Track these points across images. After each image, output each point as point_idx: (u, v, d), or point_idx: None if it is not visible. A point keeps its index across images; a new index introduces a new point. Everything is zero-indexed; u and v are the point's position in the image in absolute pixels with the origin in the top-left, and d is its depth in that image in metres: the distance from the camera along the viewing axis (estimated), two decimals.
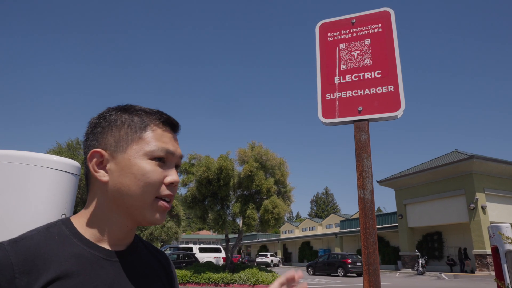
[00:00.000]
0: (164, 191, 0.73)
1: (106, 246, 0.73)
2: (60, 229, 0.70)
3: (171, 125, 0.79)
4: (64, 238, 0.69)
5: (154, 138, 0.74)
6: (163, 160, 0.74)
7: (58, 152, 24.13)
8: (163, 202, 0.73)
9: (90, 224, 0.73)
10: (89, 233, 0.72)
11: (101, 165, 0.73)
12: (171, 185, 0.75)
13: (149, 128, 0.75)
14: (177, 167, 0.79)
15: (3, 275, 0.58)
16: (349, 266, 22.33)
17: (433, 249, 29.09)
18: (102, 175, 0.72)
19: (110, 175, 0.72)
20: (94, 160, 0.73)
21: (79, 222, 0.73)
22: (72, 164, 1.59)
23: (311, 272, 26.09)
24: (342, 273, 22.65)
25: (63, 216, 1.06)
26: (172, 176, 0.75)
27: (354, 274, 22.67)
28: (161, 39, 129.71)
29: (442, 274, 23.85)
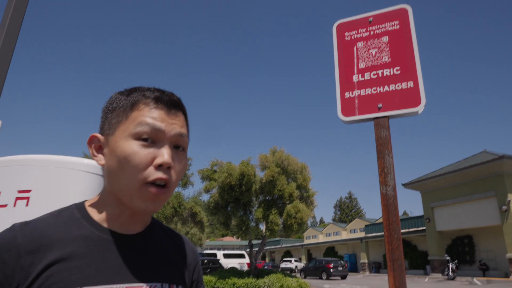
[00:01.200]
0: (153, 174, 0.67)
1: (116, 229, 0.73)
2: (72, 212, 0.73)
3: (166, 102, 0.72)
4: (74, 220, 0.71)
5: (141, 115, 0.69)
6: (151, 139, 0.69)
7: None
8: (152, 188, 0.67)
9: (99, 207, 0.74)
10: (99, 216, 0.73)
11: (101, 149, 0.74)
12: (161, 167, 0.68)
13: (137, 107, 0.70)
14: (177, 147, 0.73)
15: (9, 254, 0.62)
16: (331, 270, 24.93)
17: (463, 253, 28.06)
18: (99, 159, 0.73)
19: (105, 159, 0.72)
20: (93, 145, 0.75)
21: (91, 205, 0.75)
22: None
23: (303, 276, 28.60)
24: (325, 277, 25.47)
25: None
26: (161, 156, 0.68)
27: (339, 277, 25.59)
28: (192, 42, 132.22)
29: (474, 279, 22.96)
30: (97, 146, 0.75)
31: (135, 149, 0.67)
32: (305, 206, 18.40)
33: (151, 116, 0.69)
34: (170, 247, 0.83)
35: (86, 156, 25.66)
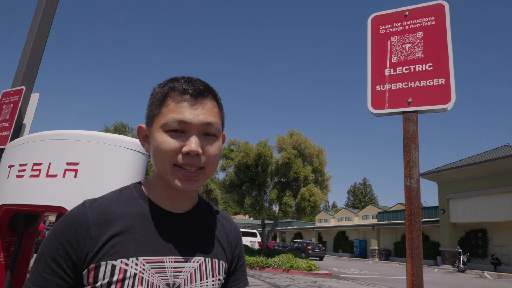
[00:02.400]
0: (180, 160, 0.76)
1: (168, 208, 0.83)
2: (131, 191, 0.84)
3: (191, 93, 0.78)
4: (132, 199, 0.82)
5: (169, 111, 0.77)
6: (180, 130, 0.76)
7: None
8: (181, 170, 0.76)
9: (152, 187, 0.85)
10: (152, 195, 0.83)
11: (147, 138, 0.85)
12: (188, 155, 0.76)
13: (166, 102, 0.78)
14: (208, 134, 0.79)
15: (81, 225, 0.74)
16: (309, 251, 29.03)
17: (476, 246, 27.84)
18: (146, 147, 0.84)
19: (150, 147, 0.82)
20: (140, 134, 0.86)
21: (146, 186, 0.86)
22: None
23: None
24: (304, 255, 28.49)
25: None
26: (187, 145, 0.76)
27: (317, 258, 29.21)
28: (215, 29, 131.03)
29: (485, 273, 22.85)
30: (143, 136, 0.86)
31: (165, 139, 0.76)
32: (319, 190, 18.50)
33: (177, 110, 0.76)
34: (215, 225, 0.92)
35: (107, 129, 26.26)
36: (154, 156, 0.79)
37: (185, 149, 0.75)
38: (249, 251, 19.64)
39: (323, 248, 30.94)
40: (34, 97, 3.15)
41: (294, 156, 18.12)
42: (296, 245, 33.10)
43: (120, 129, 27.09)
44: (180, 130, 0.76)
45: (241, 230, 27.65)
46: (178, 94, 0.77)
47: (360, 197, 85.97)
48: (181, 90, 0.77)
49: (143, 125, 0.85)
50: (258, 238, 26.24)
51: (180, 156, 0.76)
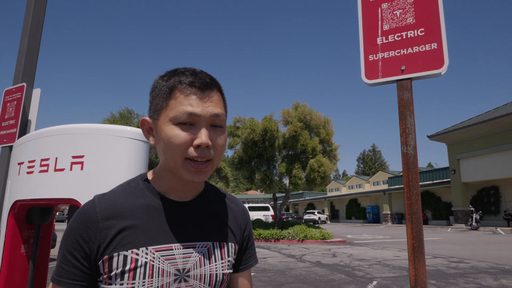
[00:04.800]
0: (192, 153, 0.77)
1: (173, 197, 0.86)
2: (137, 183, 0.87)
3: (199, 86, 0.78)
4: (139, 191, 0.85)
5: (178, 104, 0.77)
6: (190, 123, 0.77)
7: (112, 121, 25.63)
8: (192, 163, 0.77)
9: (158, 179, 0.87)
10: (159, 186, 0.86)
11: (151, 131, 0.85)
12: (199, 147, 0.77)
13: (173, 95, 0.78)
14: (215, 126, 0.80)
15: (90, 219, 0.78)
16: (283, 220, 29.29)
17: (489, 204, 27.96)
18: (151, 140, 0.85)
19: (155, 139, 0.83)
20: (144, 127, 0.87)
21: (152, 177, 0.89)
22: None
23: None
24: None
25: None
26: (199, 138, 0.76)
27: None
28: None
29: (498, 229, 23.05)
30: (147, 128, 0.87)
31: (176, 133, 0.76)
32: (328, 160, 18.57)
33: (186, 103, 0.77)
34: (222, 208, 0.94)
35: (113, 116, 26.39)
36: (164, 149, 0.79)
37: (196, 141, 0.76)
38: (263, 224, 20.05)
39: (295, 216, 34.61)
40: (36, 93, 3.19)
41: (300, 129, 18.11)
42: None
43: (126, 116, 27.20)
44: (190, 123, 0.77)
45: (254, 205, 28.09)
46: (185, 87, 0.78)
47: (370, 163, 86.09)
48: (188, 83, 0.78)
49: (147, 118, 0.86)
50: (271, 212, 26.67)
51: (191, 149, 0.77)
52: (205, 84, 0.79)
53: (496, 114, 24.80)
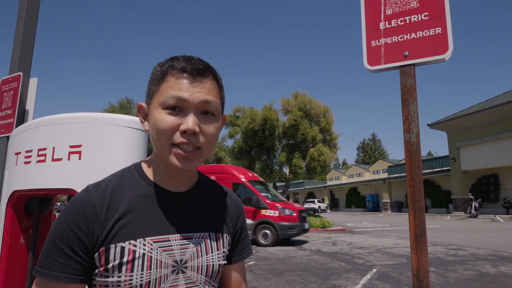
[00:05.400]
0: (177, 138, 0.75)
1: (169, 187, 0.84)
2: (132, 173, 0.85)
3: (190, 71, 0.77)
4: (134, 181, 0.83)
5: (168, 88, 0.76)
6: (179, 108, 0.76)
7: (111, 111, 25.54)
8: (177, 149, 0.76)
9: (152, 167, 0.86)
10: (153, 176, 0.84)
11: (146, 116, 0.84)
12: (185, 133, 0.76)
13: (165, 79, 0.78)
14: (206, 113, 0.79)
15: (88, 210, 0.75)
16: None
17: (488, 192, 28.08)
18: (145, 125, 0.85)
19: (149, 125, 0.82)
20: (140, 113, 0.86)
21: (146, 166, 0.87)
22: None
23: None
24: None
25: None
26: (185, 123, 0.75)
27: None
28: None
29: (497, 217, 23.19)
30: (143, 114, 0.85)
31: (163, 117, 0.75)
32: (328, 149, 18.57)
33: (176, 87, 0.76)
34: (216, 200, 0.94)
35: (112, 106, 26.31)
36: (152, 134, 0.79)
37: (182, 127, 0.75)
38: None
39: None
40: (33, 82, 3.15)
41: (300, 118, 18.06)
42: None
43: (125, 105, 27.11)
44: (178, 108, 0.76)
45: None
46: (177, 71, 0.77)
47: (369, 152, 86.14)
48: (180, 68, 0.77)
49: (143, 104, 0.85)
50: None
51: (177, 134, 0.76)
52: (197, 70, 0.78)
53: (496, 102, 24.72)
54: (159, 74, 0.79)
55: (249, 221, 11.16)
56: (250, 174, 12.70)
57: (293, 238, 12.76)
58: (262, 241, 10.99)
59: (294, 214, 11.07)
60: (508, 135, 23.84)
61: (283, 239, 11.88)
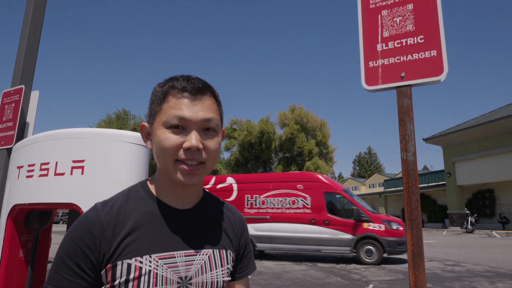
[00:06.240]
0: (181, 155, 0.79)
1: (174, 204, 0.87)
2: (138, 191, 0.88)
3: (190, 90, 0.81)
4: (140, 198, 0.86)
5: (170, 107, 0.80)
6: (181, 126, 0.79)
7: (108, 122, 25.51)
8: (182, 165, 0.79)
9: (157, 184, 0.89)
10: (159, 193, 0.87)
11: (149, 136, 0.88)
12: (189, 150, 0.79)
13: (166, 99, 0.81)
14: (208, 129, 0.82)
15: (96, 228, 0.78)
16: None
17: (484, 207, 28.11)
18: (148, 144, 0.88)
19: (152, 143, 0.85)
20: (143, 132, 0.90)
21: (152, 184, 0.90)
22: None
23: None
24: None
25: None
26: (188, 141, 0.79)
27: None
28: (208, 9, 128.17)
29: (493, 232, 23.18)
30: (146, 133, 0.89)
31: (167, 135, 0.79)
32: (325, 163, 18.62)
33: (178, 107, 0.79)
34: (221, 217, 0.96)
35: (109, 116, 26.30)
36: (156, 152, 0.82)
37: (186, 144, 0.78)
38: None
39: None
40: (34, 95, 3.18)
41: (297, 131, 18.15)
42: None
43: (122, 116, 27.09)
44: (181, 127, 0.79)
45: None
46: (177, 91, 0.80)
47: (365, 166, 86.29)
48: (180, 88, 0.80)
49: (145, 123, 0.88)
50: None
51: (181, 152, 0.79)
52: (197, 88, 0.81)
53: (491, 117, 24.98)
54: (160, 95, 0.82)
55: (346, 236, 10.05)
56: (339, 183, 11.74)
57: (290, 252, 12.67)
58: (366, 259, 9.84)
59: (401, 228, 10.06)
60: (503, 150, 24.03)
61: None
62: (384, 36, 1.79)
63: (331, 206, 10.63)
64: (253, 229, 10.93)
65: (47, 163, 1.75)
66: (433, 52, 1.67)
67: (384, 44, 1.78)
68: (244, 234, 1.02)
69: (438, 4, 1.70)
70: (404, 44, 1.73)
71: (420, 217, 1.56)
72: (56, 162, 1.74)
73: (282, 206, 10.83)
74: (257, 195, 11.21)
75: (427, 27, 1.70)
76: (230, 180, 11.88)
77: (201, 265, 0.84)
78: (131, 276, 0.76)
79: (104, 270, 0.77)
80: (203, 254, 0.86)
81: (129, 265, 0.76)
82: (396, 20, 1.78)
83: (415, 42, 1.71)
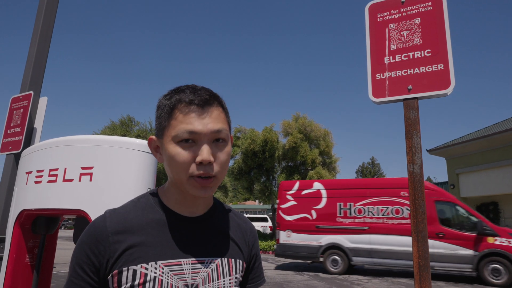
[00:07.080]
0: (195, 171, 0.78)
1: (183, 213, 0.87)
2: (148, 199, 0.89)
3: (198, 103, 0.80)
4: (149, 206, 0.87)
5: (179, 122, 0.79)
6: (191, 140, 0.79)
7: (112, 128, 25.61)
8: (197, 180, 0.79)
9: (167, 194, 0.89)
10: (168, 202, 0.87)
11: (158, 149, 0.88)
12: (201, 164, 0.78)
13: (174, 113, 0.80)
14: (218, 140, 0.81)
15: (101, 234, 0.80)
16: None
17: (488, 219, 27.84)
18: (158, 157, 0.88)
19: (162, 157, 0.85)
20: (151, 145, 0.90)
21: (162, 193, 0.91)
22: None
23: None
24: None
25: (149, 189, 1.26)
26: (200, 155, 0.78)
27: None
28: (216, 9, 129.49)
29: None
30: (155, 147, 0.90)
31: (178, 151, 0.78)
32: (328, 172, 18.58)
33: (187, 121, 0.78)
34: (230, 225, 0.96)
35: (113, 123, 26.41)
36: (169, 166, 0.82)
37: (198, 159, 0.78)
38: (261, 235, 19.92)
39: None
40: (43, 101, 3.22)
41: (300, 140, 18.17)
42: None
43: (127, 123, 27.20)
44: (191, 140, 0.79)
45: (252, 215, 28.01)
46: (185, 105, 0.80)
47: (369, 176, 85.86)
48: (188, 101, 0.80)
49: (154, 137, 0.89)
50: (269, 223, 26.54)
51: (194, 166, 0.79)
52: (204, 100, 0.81)
53: (495, 130, 24.90)
54: (167, 109, 0.82)
55: (467, 252, 8.74)
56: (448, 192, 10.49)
57: (293, 261, 12.58)
58: (492, 279, 8.46)
59: None
60: (507, 163, 23.87)
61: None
62: (391, 49, 1.81)
63: (444, 216, 9.41)
64: (348, 240, 9.75)
65: (56, 169, 1.77)
66: (440, 66, 1.68)
67: (391, 57, 1.80)
68: (255, 244, 1.02)
69: (445, 19, 1.73)
70: (411, 57, 1.75)
71: (426, 229, 1.56)
72: (65, 169, 1.76)
73: (383, 215, 9.57)
74: (352, 203, 9.95)
75: (434, 41, 1.72)
76: (317, 185, 10.63)
77: (208, 273, 0.84)
78: (136, 282, 0.76)
79: (110, 275, 0.78)
80: (210, 262, 0.85)
81: (134, 271, 0.77)
82: (403, 34, 1.80)
83: (422, 55, 1.73)
